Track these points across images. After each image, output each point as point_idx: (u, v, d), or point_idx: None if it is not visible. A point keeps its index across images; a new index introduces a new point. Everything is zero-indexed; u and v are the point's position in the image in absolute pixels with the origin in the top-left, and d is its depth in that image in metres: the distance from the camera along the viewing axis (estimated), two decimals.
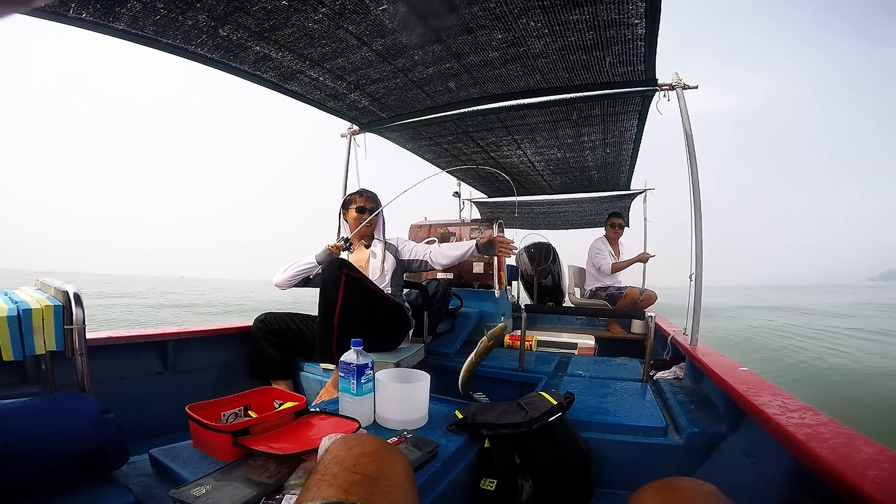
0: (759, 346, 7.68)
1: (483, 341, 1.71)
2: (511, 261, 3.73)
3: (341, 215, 2.14)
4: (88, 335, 1.17)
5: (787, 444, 0.87)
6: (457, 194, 4.18)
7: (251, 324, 1.92)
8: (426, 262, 2.06)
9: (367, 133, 2.63)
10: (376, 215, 2.06)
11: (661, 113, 1.99)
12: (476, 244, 1.97)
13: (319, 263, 2.00)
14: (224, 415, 1.15)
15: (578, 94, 1.99)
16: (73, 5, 1.29)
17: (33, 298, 1.13)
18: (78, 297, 1.12)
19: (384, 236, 2.12)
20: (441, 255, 2.03)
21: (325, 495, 0.49)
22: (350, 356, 1.22)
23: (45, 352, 1.09)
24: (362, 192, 2.11)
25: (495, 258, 2.93)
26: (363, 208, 2.05)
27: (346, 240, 1.98)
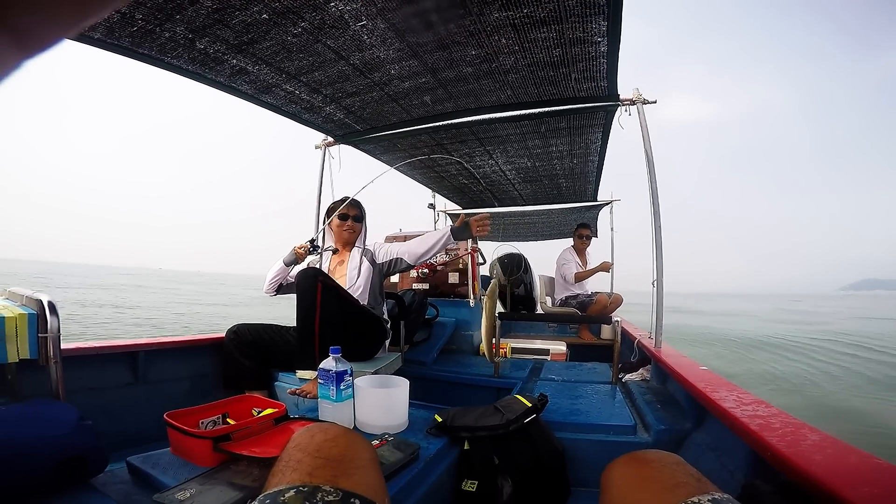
0: None
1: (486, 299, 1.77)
2: (485, 271, 3.80)
3: (325, 222, 2.14)
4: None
5: (743, 436, 0.94)
6: (431, 206, 4.23)
7: (223, 335, 1.90)
8: (400, 259, 2.03)
9: (341, 145, 2.66)
10: (351, 217, 2.05)
11: (623, 127, 2.09)
12: (451, 230, 1.90)
13: (287, 265, 2.00)
14: (203, 422, 1.15)
15: (546, 109, 2.07)
16: None
17: (3, 307, 1.11)
18: (52, 306, 1.11)
19: (364, 244, 2.13)
20: (415, 249, 1.99)
21: (289, 480, 0.50)
22: (329, 363, 1.24)
23: (16, 360, 1.06)
24: (346, 200, 2.11)
25: (469, 268, 2.98)
26: (346, 216, 2.05)
27: (313, 241, 1.98)
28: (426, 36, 1.49)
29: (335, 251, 2.11)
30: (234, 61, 1.64)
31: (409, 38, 1.50)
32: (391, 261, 2.06)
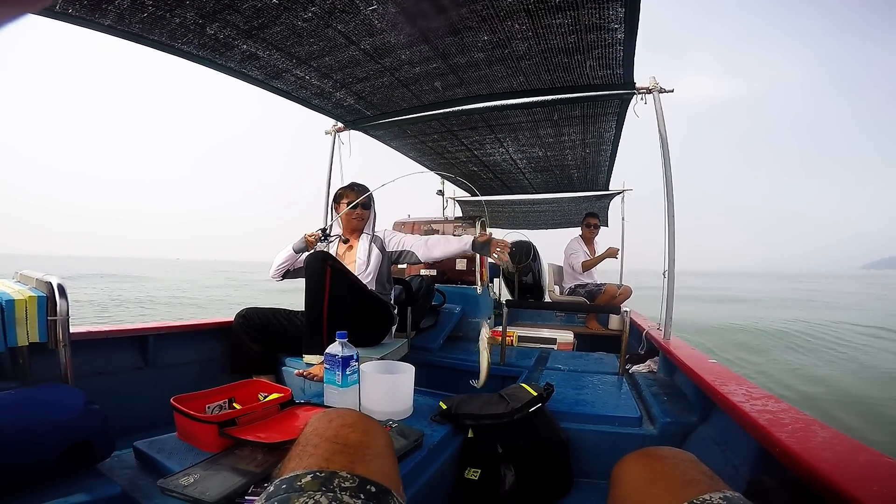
0: None
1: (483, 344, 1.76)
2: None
3: (332, 209, 2.13)
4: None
5: (751, 431, 0.93)
6: (440, 192, 4.22)
7: (232, 319, 1.91)
8: (412, 252, 2.03)
9: (351, 131, 2.64)
10: (360, 204, 2.03)
11: (638, 116, 2.05)
12: (473, 242, 1.89)
13: (297, 252, 2.00)
14: (209, 407, 1.16)
15: (560, 96, 2.04)
16: (59, 1, 1.28)
17: (14, 290, 1.12)
18: (62, 289, 1.12)
19: (373, 231, 2.12)
20: (431, 248, 1.99)
21: (306, 465, 0.50)
22: (335, 348, 1.23)
23: (26, 344, 1.08)
24: (353, 187, 2.08)
25: (477, 255, 2.98)
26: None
27: (324, 230, 1.98)
28: (437, 20, 1.46)
29: (345, 240, 2.10)
30: (245, 46, 1.63)
31: (419, 22, 1.48)
32: (402, 252, 2.06)
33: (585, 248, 3.95)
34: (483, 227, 3.07)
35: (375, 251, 2.04)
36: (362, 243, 2.06)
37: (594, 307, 3.62)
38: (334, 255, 2.08)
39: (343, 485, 0.47)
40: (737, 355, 6.39)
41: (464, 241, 1.92)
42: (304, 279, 1.76)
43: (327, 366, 1.24)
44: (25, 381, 1.24)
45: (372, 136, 2.74)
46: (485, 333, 1.74)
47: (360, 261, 2.01)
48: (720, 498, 0.48)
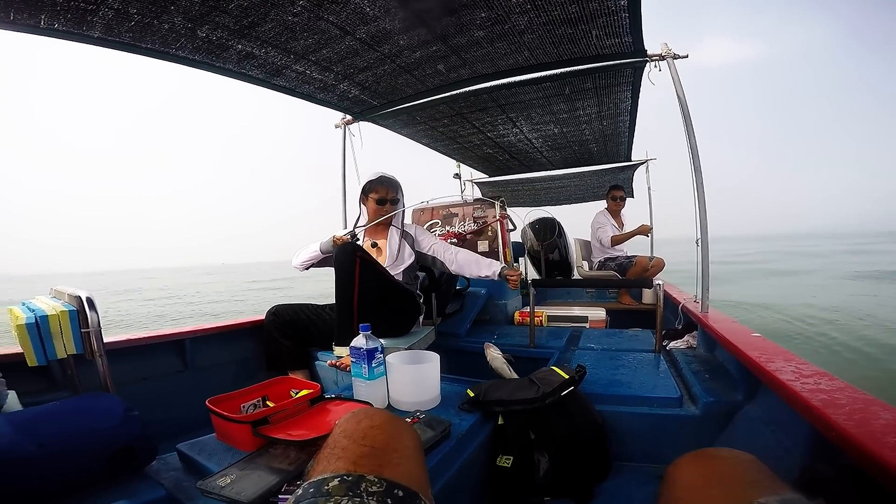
0: None
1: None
2: (516, 237, 3.73)
3: (361, 202, 2.09)
4: (108, 338, 1.21)
5: (804, 412, 0.85)
6: (457, 176, 4.17)
7: (264, 317, 1.95)
8: (443, 262, 2.02)
9: (360, 122, 2.63)
10: (389, 201, 2.02)
11: (654, 83, 1.95)
12: (500, 272, 1.90)
13: (324, 253, 2.01)
14: (244, 406, 1.18)
15: (568, 69, 1.97)
16: (43, 17, 1.29)
17: (49, 306, 1.17)
18: (91, 302, 1.16)
19: (402, 225, 2.09)
20: (462, 266, 1.98)
21: (334, 468, 0.50)
22: (360, 341, 1.23)
23: (66, 356, 1.13)
24: (383, 181, 2.03)
25: (499, 235, 2.94)
26: (384, 200, 2.00)
27: (353, 234, 1.96)
28: (430, 1, 1.42)
29: (373, 244, 2.08)
30: (240, 46, 1.62)
31: (412, 4, 1.43)
32: (433, 258, 2.05)
33: (613, 221, 3.84)
34: (503, 207, 3.01)
35: (407, 249, 2.02)
36: (392, 238, 2.03)
37: (625, 282, 3.51)
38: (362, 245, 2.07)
39: (370, 489, 0.47)
40: None
41: (492, 270, 1.92)
42: (324, 270, 1.76)
43: (353, 359, 1.24)
44: (76, 391, 1.30)
45: (381, 125, 2.72)
46: (498, 358, 1.72)
47: (391, 255, 2.00)
48: (779, 501, 0.46)
